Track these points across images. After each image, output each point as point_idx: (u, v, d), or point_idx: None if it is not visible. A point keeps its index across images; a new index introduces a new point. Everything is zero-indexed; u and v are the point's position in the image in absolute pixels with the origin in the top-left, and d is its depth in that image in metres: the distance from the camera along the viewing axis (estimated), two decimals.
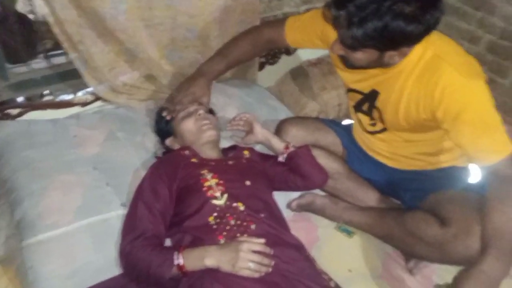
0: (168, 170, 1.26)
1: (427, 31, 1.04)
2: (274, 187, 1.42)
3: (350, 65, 1.22)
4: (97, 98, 1.64)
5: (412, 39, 1.06)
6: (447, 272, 1.32)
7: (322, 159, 1.47)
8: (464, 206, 1.23)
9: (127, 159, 1.42)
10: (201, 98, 1.47)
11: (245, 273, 1.03)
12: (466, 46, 2.28)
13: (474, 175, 1.41)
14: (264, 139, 1.48)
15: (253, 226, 1.15)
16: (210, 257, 1.04)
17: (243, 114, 1.55)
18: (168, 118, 1.43)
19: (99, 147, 1.42)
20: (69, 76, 1.61)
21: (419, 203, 1.38)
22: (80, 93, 1.62)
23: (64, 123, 1.50)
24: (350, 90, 1.42)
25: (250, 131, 1.50)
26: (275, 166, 1.43)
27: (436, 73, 1.14)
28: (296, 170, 1.40)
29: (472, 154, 1.21)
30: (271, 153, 1.50)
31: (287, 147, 1.43)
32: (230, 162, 1.35)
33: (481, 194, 1.29)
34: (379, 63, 1.17)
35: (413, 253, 1.35)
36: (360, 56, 1.13)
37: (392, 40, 1.05)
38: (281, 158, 1.43)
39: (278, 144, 1.45)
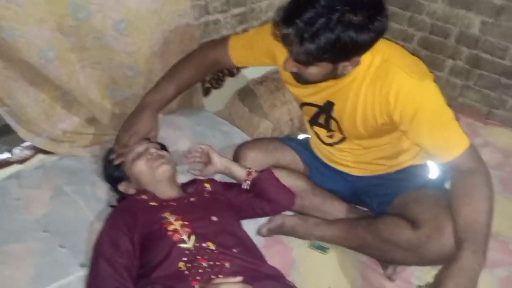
0: (126, 219, 1.18)
1: (376, 38, 1.05)
2: (241, 216, 1.36)
3: (303, 80, 1.21)
4: (37, 152, 1.51)
5: (363, 48, 1.07)
6: (424, 273, 1.33)
7: (286, 178, 1.44)
8: (432, 205, 1.25)
9: (79, 214, 1.31)
10: (149, 133, 1.39)
11: None
12: (401, 44, 2.34)
13: (433, 170, 1.44)
14: (224, 168, 1.43)
15: (227, 264, 1.09)
16: None
17: (198, 145, 1.49)
18: (116, 163, 1.34)
19: (47, 206, 1.30)
20: (1, 133, 1.49)
21: (387, 208, 1.38)
22: (17, 150, 1.49)
23: (3, 185, 1.37)
24: (304, 104, 1.41)
25: (208, 162, 1.44)
26: (239, 194, 1.38)
27: (387, 78, 1.16)
28: (262, 196, 1.36)
29: (432, 152, 1.23)
30: (233, 181, 1.45)
31: (249, 174, 1.38)
32: (192, 199, 1.28)
33: (444, 190, 1.32)
34: (333, 75, 1.17)
35: (389, 259, 1.35)
36: (314, 70, 1.12)
37: (345, 51, 1.04)
38: (244, 186, 1.38)
39: (239, 171, 1.40)
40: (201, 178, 1.44)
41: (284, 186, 1.40)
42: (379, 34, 1.04)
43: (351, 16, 0.98)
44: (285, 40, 1.07)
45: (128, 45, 1.43)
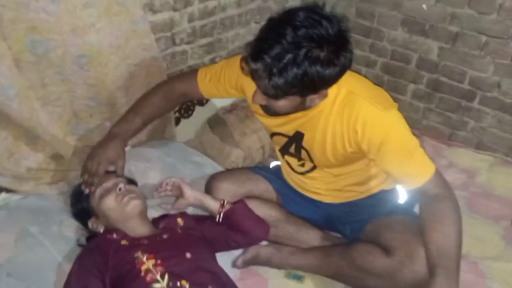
0: (97, 261, 1.14)
1: (342, 71, 1.08)
2: (215, 250, 1.34)
3: (272, 112, 1.23)
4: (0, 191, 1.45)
5: (330, 81, 1.09)
6: None
7: (259, 208, 1.43)
8: (403, 231, 1.27)
9: (46, 256, 1.25)
10: (116, 162, 1.36)
11: None
12: (364, 70, 2.44)
13: (402, 195, 1.48)
14: (196, 201, 1.41)
15: None
16: None
17: (169, 178, 1.47)
18: (86, 192, 1.30)
19: (11, 250, 1.24)
20: None
21: (360, 235, 1.40)
22: None
23: None
24: (274, 134, 1.42)
25: (179, 195, 1.42)
26: (213, 227, 1.36)
27: (354, 109, 1.19)
28: (235, 228, 1.34)
29: (400, 179, 1.27)
30: (205, 213, 1.43)
31: (222, 206, 1.37)
32: (165, 236, 1.25)
33: (413, 215, 1.35)
34: (302, 107, 1.19)
35: (364, 286, 1.35)
36: (283, 103, 1.14)
37: (312, 85, 1.07)
38: (217, 218, 1.37)
39: (212, 204, 1.39)
40: (173, 212, 1.41)
41: (258, 217, 1.39)
42: (344, 68, 1.07)
43: (318, 52, 1.01)
44: (253, 75, 1.09)
45: (89, 78, 1.42)
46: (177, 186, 1.43)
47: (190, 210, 1.46)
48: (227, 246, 1.36)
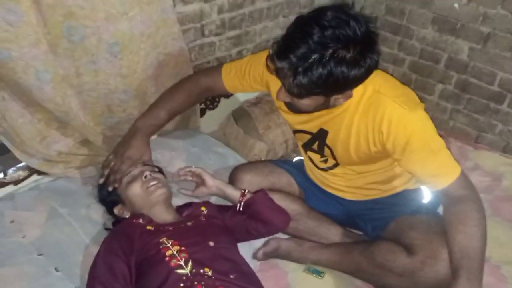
0: (123, 244, 1.17)
1: (368, 73, 1.07)
2: (236, 239, 1.36)
3: (296, 110, 1.23)
4: (31, 173, 1.50)
5: (355, 82, 1.09)
6: None
7: (281, 202, 1.44)
8: (426, 231, 1.26)
9: (74, 237, 1.30)
10: (141, 158, 1.39)
11: None
12: (391, 68, 2.42)
13: (426, 195, 1.47)
14: (218, 190, 1.43)
15: None
16: None
17: (190, 167, 1.49)
18: (109, 189, 1.33)
19: (41, 229, 1.29)
20: None
21: (381, 232, 1.40)
22: (10, 170, 1.48)
23: None
24: (297, 131, 1.43)
25: (201, 183, 1.45)
26: (234, 216, 1.38)
27: (379, 108, 1.18)
28: (256, 217, 1.36)
29: (424, 180, 1.26)
30: (227, 203, 1.45)
31: (243, 195, 1.39)
32: (189, 223, 1.28)
33: (437, 215, 1.34)
34: (325, 106, 1.19)
35: (384, 284, 1.35)
36: (306, 102, 1.14)
37: (337, 86, 1.07)
38: (238, 207, 1.39)
39: (233, 193, 1.41)
40: (195, 200, 1.43)
41: (279, 207, 1.40)
42: (370, 69, 1.07)
43: (344, 53, 1.01)
44: (278, 73, 1.09)
45: (122, 68, 1.44)
46: (198, 174, 1.45)
47: (213, 200, 1.48)
48: (248, 235, 1.38)
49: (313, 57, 1.00)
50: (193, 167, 1.48)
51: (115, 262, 1.13)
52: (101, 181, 1.35)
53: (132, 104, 1.54)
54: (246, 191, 1.40)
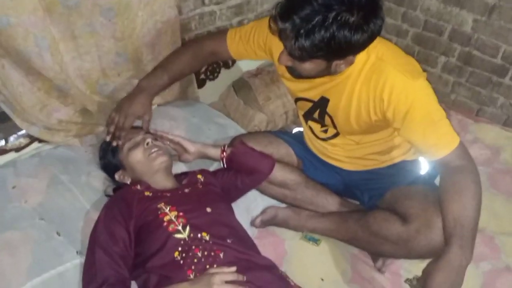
0: (122, 209, 1.19)
1: (371, 39, 1.06)
2: (232, 199, 1.40)
3: (297, 75, 1.23)
4: (32, 141, 1.52)
5: (357, 48, 1.08)
6: (413, 266, 1.37)
7: (279, 171, 1.46)
8: (422, 200, 1.28)
9: (75, 203, 1.32)
10: (142, 116, 1.41)
11: None
12: (395, 39, 2.38)
13: (424, 166, 1.48)
14: (200, 154, 1.44)
15: (221, 255, 1.11)
16: None
17: (168, 134, 1.45)
18: (114, 145, 1.34)
19: (43, 195, 1.31)
20: None
21: (378, 202, 1.42)
22: (12, 138, 1.50)
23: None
24: (299, 99, 1.43)
25: (183, 150, 1.45)
26: (224, 175, 1.41)
27: (381, 76, 1.18)
28: (241, 169, 1.39)
29: (423, 150, 1.26)
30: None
31: (223, 152, 1.41)
32: (186, 190, 1.30)
33: (433, 186, 1.35)
34: (327, 72, 1.18)
35: (379, 252, 1.39)
36: (308, 66, 1.14)
37: (339, 50, 1.06)
38: (222, 164, 1.41)
39: (213, 152, 1.43)
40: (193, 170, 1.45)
41: (259, 153, 1.42)
42: (374, 35, 1.06)
43: (347, 16, 1.00)
44: (281, 34, 1.09)
45: (116, 31, 1.43)
46: (177, 142, 1.43)
47: (215, 166, 1.50)
48: (238, 190, 1.41)
49: (316, 19, 0.99)
50: (169, 134, 1.45)
51: (115, 227, 1.16)
52: (108, 138, 1.36)
53: (126, 67, 1.53)
54: (225, 146, 1.42)
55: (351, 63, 1.16)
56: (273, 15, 1.08)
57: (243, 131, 1.77)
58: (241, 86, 2.06)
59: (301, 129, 1.65)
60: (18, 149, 1.49)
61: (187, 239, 1.12)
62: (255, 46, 1.44)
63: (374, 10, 1.03)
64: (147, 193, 1.25)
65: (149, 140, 1.32)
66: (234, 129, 1.76)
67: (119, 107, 1.40)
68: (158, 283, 1.09)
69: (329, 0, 0.99)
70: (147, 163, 1.29)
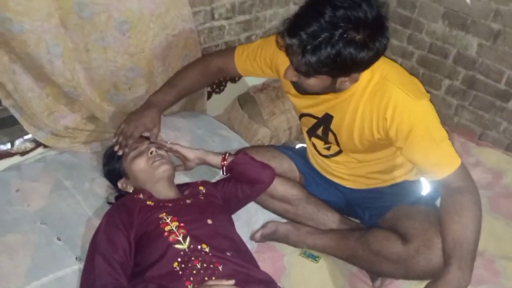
0: (123, 218, 1.20)
1: (376, 57, 1.09)
2: (233, 209, 1.40)
3: (303, 91, 1.24)
4: (38, 145, 1.53)
5: (362, 66, 1.11)
6: (412, 286, 1.36)
7: (281, 186, 1.47)
8: (423, 220, 1.28)
9: (78, 209, 1.33)
10: (152, 129, 1.42)
11: None
12: (400, 61, 2.41)
13: (425, 187, 1.48)
14: (200, 161, 1.44)
15: (220, 267, 1.11)
16: None
17: (166, 142, 1.46)
18: (119, 153, 1.35)
19: (46, 199, 1.32)
20: (4, 124, 1.50)
21: (378, 221, 1.42)
22: (17, 142, 1.51)
23: (3, 176, 1.38)
24: (303, 115, 1.44)
25: (184, 158, 1.45)
26: (225, 186, 1.41)
27: (385, 95, 1.20)
28: (241, 179, 1.40)
29: (424, 169, 1.27)
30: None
31: (224, 159, 1.41)
32: (188, 201, 1.30)
33: (434, 206, 1.36)
34: (332, 89, 1.21)
35: (378, 271, 1.38)
36: (313, 82, 1.15)
37: (344, 67, 1.08)
38: (222, 172, 1.41)
39: (214, 159, 1.43)
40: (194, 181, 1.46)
41: (261, 163, 1.43)
42: (379, 53, 1.08)
43: (354, 34, 1.02)
44: (288, 50, 1.11)
45: (130, 46, 1.46)
46: (175, 150, 1.44)
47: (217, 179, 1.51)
48: (239, 201, 1.41)
49: (322, 36, 1.02)
50: (168, 142, 1.45)
51: (115, 235, 1.16)
52: (116, 147, 1.37)
53: (138, 82, 1.56)
54: (227, 154, 1.42)
55: (356, 80, 1.18)
56: (281, 31, 1.11)
57: (246, 144, 1.78)
58: (246, 100, 2.08)
59: (304, 145, 1.66)
60: (23, 153, 1.51)
61: (187, 250, 1.13)
62: (261, 63, 1.46)
63: (380, 29, 1.05)
64: (149, 202, 1.25)
65: (153, 149, 1.34)
66: (238, 142, 1.77)
67: (129, 118, 1.42)
68: None
69: (336, 18, 1.02)
70: (149, 172, 1.30)
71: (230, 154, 1.42)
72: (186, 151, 1.43)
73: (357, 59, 1.05)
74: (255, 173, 1.40)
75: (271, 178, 1.43)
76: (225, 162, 1.40)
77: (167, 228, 1.17)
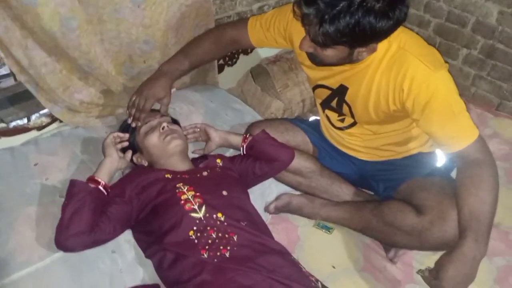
0: (139, 182, 1.24)
1: (395, 26, 1.06)
2: (248, 185, 1.42)
3: (319, 62, 1.22)
4: (54, 120, 1.55)
5: (382, 35, 1.08)
6: (425, 257, 1.38)
7: (295, 159, 1.47)
8: (437, 192, 1.28)
9: None
10: (162, 99, 1.43)
11: None
12: (416, 30, 2.35)
13: (440, 159, 1.47)
14: (222, 140, 1.46)
15: (235, 237, 1.14)
16: None
17: (194, 125, 1.51)
18: (133, 125, 1.37)
19: (63, 173, 1.34)
20: (20, 99, 1.52)
21: (393, 193, 1.42)
22: (34, 116, 1.53)
23: (22, 151, 1.41)
24: (317, 87, 1.43)
25: (207, 138, 1.47)
26: (242, 162, 1.43)
27: (403, 66, 1.17)
28: (261, 157, 1.41)
29: (441, 142, 1.25)
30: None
31: (245, 139, 1.43)
32: (205, 173, 1.32)
33: (449, 178, 1.35)
34: (349, 59, 1.18)
35: (392, 242, 1.39)
36: (330, 53, 1.13)
37: (363, 36, 1.05)
38: (242, 151, 1.43)
39: (236, 139, 1.45)
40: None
41: (280, 144, 1.44)
42: (398, 22, 1.05)
43: (373, 2, 0.99)
44: (304, 19, 1.08)
45: (145, 18, 1.44)
46: (203, 130, 1.47)
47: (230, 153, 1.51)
48: (256, 177, 1.43)
49: (341, 5, 0.99)
50: (196, 124, 1.50)
51: (126, 187, 1.23)
52: (130, 120, 1.39)
53: (152, 55, 1.55)
54: (248, 135, 1.44)
55: (374, 50, 1.15)
56: (297, 0, 1.07)
57: (259, 117, 1.78)
58: (259, 72, 2.06)
59: (317, 117, 1.65)
60: (40, 128, 1.53)
61: (202, 218, 1.15)
62: (275, 34, 1.44)
63: None
64: (167, 175, 1.27)
65: (164, 124, 1.34)
66: (251, 115, 1.76)
67: (140, 89, 1.42)
68: (173, 261, 1.12)
69: None
70: (162, 147, 1.31)
71: (251, 135, 1.43)
72: (210, 129, 1.45)
73: (377, 28, 1.02)
74: (274, 151, 1.41)
75: (290, 158, 1.44)
76: (245, 141, 1.42)
77: (183, 197, 1.19)
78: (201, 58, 1.53)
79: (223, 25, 1.60)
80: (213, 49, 1.53)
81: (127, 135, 1.37)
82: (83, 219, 1.11)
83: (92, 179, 1.21)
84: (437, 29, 2.29)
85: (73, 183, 1.18)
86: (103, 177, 1.22)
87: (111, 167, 1.26)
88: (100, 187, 1.20)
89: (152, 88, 1.40)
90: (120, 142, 1.36)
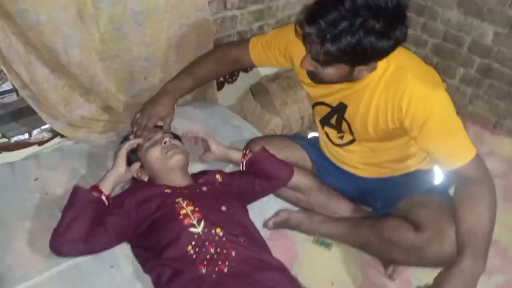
0: (139, 196, 1.25)
1: (395, 45, 1.08)
2: (247, 201, 1.42)
3: (318, 80, 1.24)
4: (55, 135, 1.56)
5: (382, 54, 1.10)
6: (424, 274, 1.36)
7: (293, 175, 1.48)
8: (435, 209, 1.28)
9: None
10: (165, 118, 1.46)
11: None
12: (414, 50, 2.39)
13: (438, 176, 1.48)
14: (222, 154, 1.47)
15: (233, 253, 1.14)
16: None
17: (196, 132, 1.52)
18: (135, 143, 1.38)
19: (63, 188, 1.35)
20: (22, 115, 1.54)
21: (391, 210, 1.42)
22: (35, 132, 1.54)
23: (22, 165, 1.42)
24: (317, 104, 1.45)
25: (207, 149, 1.48)
26: (242, 178, 1.43)
27: (401, 85, 1.19)
28: (260, 174, 1.41)
29: (439, 159, 1.26)
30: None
31: (244, 155, 1.44)
32: (204, 189, 1.33)
33: (447, 196, 1.35)
34: (349, 78, 1.20)
35: (390, 259, 1.39)
36: (331, 71, 1.15)
37: (363, 55, 1.07)
38: (241, 167, 1.44)
39: (236, 155, 1.46)
40: (211, 169, 1.48)
41: (280, 161, 1.45)
42: (398, 42, 1.07)
43: (374, 22, 1.01)
44: (306, 38, 1.11)
45: (146, 36, 1.48)
46: (204, 140, 1.48)
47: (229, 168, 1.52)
48: (255, 194, 1.43)
49: (342, 25, 1.01)
50: (200, 132, 1.51)
51: (125, 200, 1.23)
52: (131, 137, 1.41)
53: (153, 72, 1.58)
54: (248, 151, 1.45)
55: (374, 69, 1.18)
56: (299, 19, 1.10)
57: (259, 134, 1.79)
58: (259, 90, 2.08)
59: (316, 134, 1.66)
60: (41, 143, 1.54)
61: (201, 233, 1.15)
62: (276, 53, 1.47)
63: (400, 17, 1.04)
64: (167, 190, 1.28)
65: (167, 139, 1.36)
66: (250, 132, 1.78)
67: (143, 108, 1.45)
68: (171, 276, 1.11)
69: (356, 6, 1.01)
70: (163, 161, 1.32)
71: (251, 151, 1.44)
72: (212, 141, 1.46)
73: (377, 47, 1.05)
74: (274, 169, 1.42)
75: (289, 175, 1.45)
76: (245, 158, 1.43)
77: (182, 212, 1.19)
78: (204, 77, 1.56)
79: (225, 45, 1.64)
80: (216, 68, 1.56)
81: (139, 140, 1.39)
82: (81, 227, 1.13)
83: (95, 188, 1.22)
84: (434, 48, 2.32)
85: (76, 189, 1.20)
86: (107, 188, 1.23)
87: (116, 179, 1.28)
88: (103, 197, 1.21)
89: (155, 107, 1.43)
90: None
